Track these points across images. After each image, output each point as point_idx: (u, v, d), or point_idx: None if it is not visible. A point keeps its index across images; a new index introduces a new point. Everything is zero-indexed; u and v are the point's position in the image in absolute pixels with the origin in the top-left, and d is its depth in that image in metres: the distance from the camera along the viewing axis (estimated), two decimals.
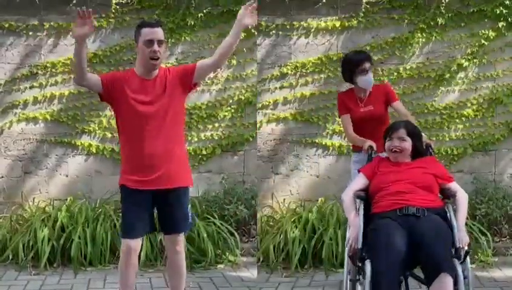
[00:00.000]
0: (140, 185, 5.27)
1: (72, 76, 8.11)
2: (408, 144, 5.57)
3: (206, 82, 8.45)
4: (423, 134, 5.95)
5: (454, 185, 5.54)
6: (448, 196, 5.48)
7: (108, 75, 5.41)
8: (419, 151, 5.68)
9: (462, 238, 5.13)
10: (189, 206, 5.53)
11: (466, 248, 5.10)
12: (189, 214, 5.51)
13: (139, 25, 5.32)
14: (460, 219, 5.28)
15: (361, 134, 6.50)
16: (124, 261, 5.36)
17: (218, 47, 5.40)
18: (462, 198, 5.44)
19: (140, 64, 5.29)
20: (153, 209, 5.45)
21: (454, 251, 5.05)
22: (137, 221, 5.32)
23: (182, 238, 5.54)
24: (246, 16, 5.27)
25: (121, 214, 5.59)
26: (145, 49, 5.20)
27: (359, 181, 5.67)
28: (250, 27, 5.13)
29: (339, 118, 6.84)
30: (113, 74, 5.44)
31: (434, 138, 8.42)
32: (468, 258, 5.12)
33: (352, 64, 6.59)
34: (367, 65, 6.54)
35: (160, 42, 5.21)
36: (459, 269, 4.90)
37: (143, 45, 5.21)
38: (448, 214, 5.32)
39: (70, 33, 8.16)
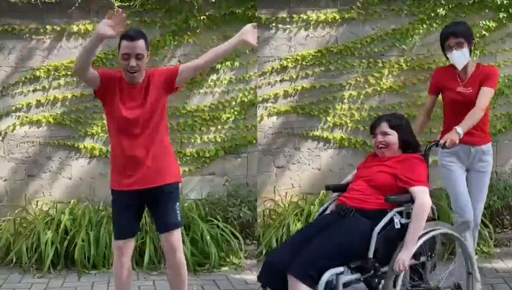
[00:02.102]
0: (124, 186, 5.16)
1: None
2: (393, 137, 5.18)
3: (209, 84, 8.25)
4: (459, 130, 5.38)
5: (415, 191, 4.88)
6: (400, 202, 4.92)
7: (106, 72, 5.27)
8: (408, 143, 5.23)
9: (398, 259, 4.71)
10: (178, 204, 5.32)
11: (401, 269, 4.70)
12: (178, 212, 5.28)
13: (121, 35, 5.10)
14: (408, 235, 4.77)
15: (449, 116, 5.94)
16: (115, 262, 5.32)
17: (209, 51, 5.26)
18: (416, 209, 4.82)
19: (123, 73, 5.16)
20: (141, 209, 5.35)
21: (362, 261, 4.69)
22: (124, 223, 5.24)
23: (177, 236, 5.28)
24: (250, 33, 5.11)
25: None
26: (123, 62, 5.09)
27: (349, 175, 5.49)
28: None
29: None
30: (110, 72, 5.29)
31: (435, 130, 8.07)
32: (388, 273, 4.76)
33: (440, 39, 5.93)
34: (452, 41, 5.78)
35: (139, 56, 5.04)
36: (324, 278, 4.47)
37: (121, 58, 5.10)
38: (381, 221, 4.80)
39: (73, 36, 8.04)
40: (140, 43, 5.04)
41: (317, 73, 8.31)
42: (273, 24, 8.25)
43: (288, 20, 8.25)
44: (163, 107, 5.22)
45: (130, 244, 5.27)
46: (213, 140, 8.26)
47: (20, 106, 8.01)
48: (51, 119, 8.03)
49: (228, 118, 8.26)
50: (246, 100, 8.27)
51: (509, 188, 8.29)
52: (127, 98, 5.11)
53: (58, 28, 7.99)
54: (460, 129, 5.42)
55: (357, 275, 4.67)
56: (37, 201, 8.02)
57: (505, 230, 8.31)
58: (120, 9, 4.83)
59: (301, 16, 8.26)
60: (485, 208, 7.77)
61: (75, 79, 8.01)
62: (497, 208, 8.15)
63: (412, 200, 4.87)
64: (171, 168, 5.28)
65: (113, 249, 7.21)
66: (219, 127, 8.26)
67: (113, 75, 5.20)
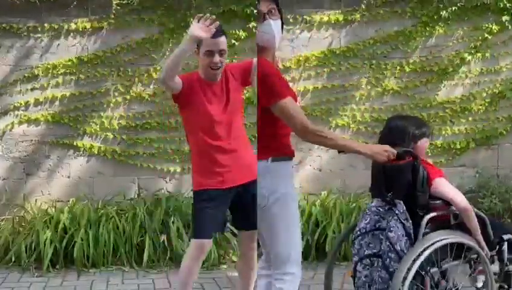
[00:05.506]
0: (220, 185, 5.09)
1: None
2: None
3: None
4: None
5: None
6: None
7: (186, 76, 5.14)
8: None
9: None
10: None
11: None
12: None
13: None
14: None
15: None
16: (193, 263, 5.11)
17: None
18: None
19: (202, 72, 5.07)
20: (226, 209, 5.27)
21: None
22: (218, 221, 5.18)
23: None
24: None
25: (194, 215, 5.26)
26: (205, 59, 4.96)
27: None
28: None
29: None
30: (189, 75, 5.14)
31: (437, 132, 8.31)
32: None
33: None
34: None
35: (222, 52, 4.96)
36: None
37: (203, 55, 4.96)
38: None
39: (71, 34, 7.99)
40: (223, 39, 4.96)
41: (320, 74, 8.32)
42: None
43: (291, 21, 8.22)
44: (241, 101, 5.26)
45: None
46: None
47: (19, 105, 7.95)
48: (49, 118, 7.98)
49: None
50: (244, 98, 7.97)
51: (511, 190, 8.32)
52: (211, 95, 5.02)
53: (56, 26, 7.95)
54: None
55: None
56: (36, 200, 7.97)
57: None
58: (208, 14, 4.73)
59: (304, 17, 8.27)
60: (486, 210, 7.95)
61: (73, 77, 7.98)
62: (498, 211, 8.12)
63: None
64: (254, 164, 5.09)
65: (111, 248, 7.35)
66: None
67: (192, 76, 5.11)
